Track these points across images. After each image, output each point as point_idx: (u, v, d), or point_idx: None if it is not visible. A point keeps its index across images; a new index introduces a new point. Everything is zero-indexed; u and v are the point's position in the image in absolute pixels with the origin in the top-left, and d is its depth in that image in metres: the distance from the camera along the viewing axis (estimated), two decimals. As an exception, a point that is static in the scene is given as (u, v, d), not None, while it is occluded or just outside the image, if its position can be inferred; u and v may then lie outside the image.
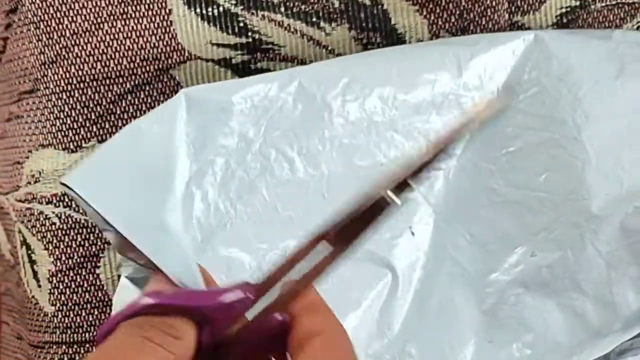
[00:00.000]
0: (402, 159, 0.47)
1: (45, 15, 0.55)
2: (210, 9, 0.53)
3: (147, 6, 0.54)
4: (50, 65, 0.55)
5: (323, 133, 0.48)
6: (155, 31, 0.54)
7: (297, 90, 0.48)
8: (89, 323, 0.58)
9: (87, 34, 0.55)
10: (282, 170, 0.47)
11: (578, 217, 0.49)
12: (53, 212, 0.56)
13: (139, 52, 0.55)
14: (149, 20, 0.54)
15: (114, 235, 0.42)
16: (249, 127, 0.47)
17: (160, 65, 0.55)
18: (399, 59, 0.49)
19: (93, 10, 0.55)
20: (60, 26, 0.54)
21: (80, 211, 0.56)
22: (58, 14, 0.54)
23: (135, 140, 0.45)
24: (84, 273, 0.57)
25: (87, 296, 0.58)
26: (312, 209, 0.48)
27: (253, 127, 0.47)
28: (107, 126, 0.56)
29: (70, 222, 0.56)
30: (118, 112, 0.56)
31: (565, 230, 0.50)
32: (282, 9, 0.54)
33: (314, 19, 0.53)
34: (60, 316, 0.56)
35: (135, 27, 0.54)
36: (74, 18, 0.54)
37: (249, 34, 0.54)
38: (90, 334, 0.58)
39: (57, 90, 0.56)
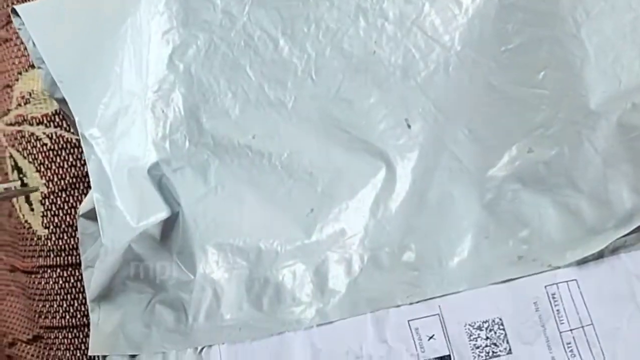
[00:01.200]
0: (397, 48, 0.48)
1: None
2: None
3: None
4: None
5: (308, 15, 0.49)
6: None
7: None
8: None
9: None
10: (266, 49, 0.48)
11: (576, 114, 0.50)
12: (44, 133, 0.57)
13: None
14: None
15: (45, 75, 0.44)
16: (233, 4, 0.48)
17: None
18: None
19: None
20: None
21: (72, 131, 0.57)
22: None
23: None
24: (76, 194, 0.58)
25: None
26: (301, 92, 0.48)
27: (237, 4, 0.48)
28: None
29: (62, 142, 0.57)
30: None
31: (562, 127, 0.50)
32: None
33: None
34: (53, 239, 0.56)
35: None
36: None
37: None
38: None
39: None
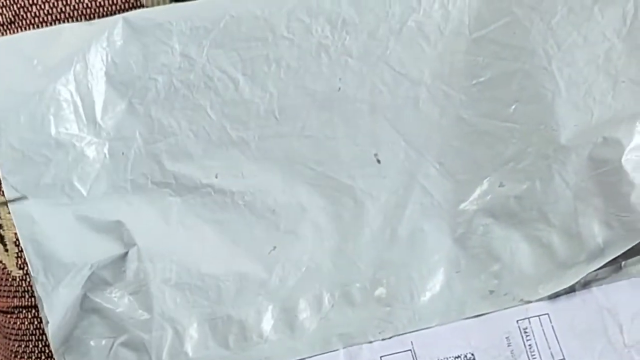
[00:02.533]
0: (362, 85, 0.48)
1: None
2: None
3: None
4: (9, 26, 0.54)
5: (267, 54, 0.49)
6: None
7: (240, 11, 0.49)
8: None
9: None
10: (226, 90, 0.49)
11: (547, 147, 0.50)
12: None
13: (97, 10, 0.55)
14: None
15: None
16: (191, 47, 0.48)
17: None
18: None
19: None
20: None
21: None
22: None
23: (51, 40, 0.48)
24: None
25: None
26: (265, 131, 0.49)
27: (196, 47, 0.49)
28: None
29: None
30: None
31: (533, 161, 0.51)
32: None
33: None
34: (28, 280, 0.55)
35: None
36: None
37: None
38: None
39: None
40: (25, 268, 0.55)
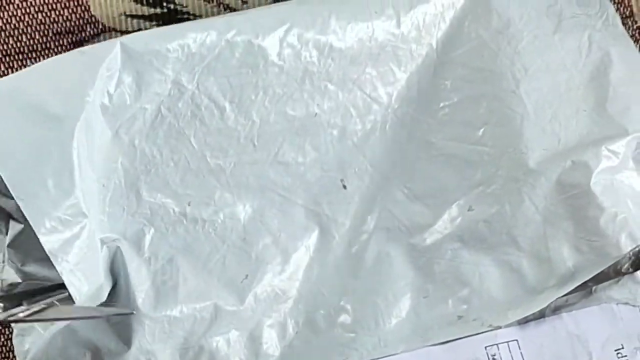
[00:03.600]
0: (336, 109, 0.48)
1: (-45, -8, 0.55)
2: (123, -19, 0.53)
3: (59, -21, 0.54)
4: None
5: (257, 82, 0.49)
6: (67, 4, 0.56)
7: (235, 38, 0.49)
8: None
9: None
10: (212, 119, 0.49)
11: (516, 171, 0.50)
12: None
13: (51, 26, 0.56)
14: (61, -7, 0.55)
15: None
16: (183, 74, 0.48)
17: (74, 39, 0.56)
18: (337, 7, 0.50)
19: (4, -16, 0.55)
20: (-30, 2, 0.55)
21: None
22: (-33, -10, 0.55)
23: (47, 78, 0.47)
24: None
25: None
26: (242, 158, 0.49)
27: (187, 74, 0.48)
28: None
29: None
30: None
31: (503, 185, 0.50)
32: (197, -22, 0.54)
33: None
34: None
35: (47, 1, 0.56)
36: (-16, -6, 0.55)
37: (164, 4, 0.56)
38: None
39: None
40: None
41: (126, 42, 0.49)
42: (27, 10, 0.56)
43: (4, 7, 0.56)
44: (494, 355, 0.49)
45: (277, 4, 0.52)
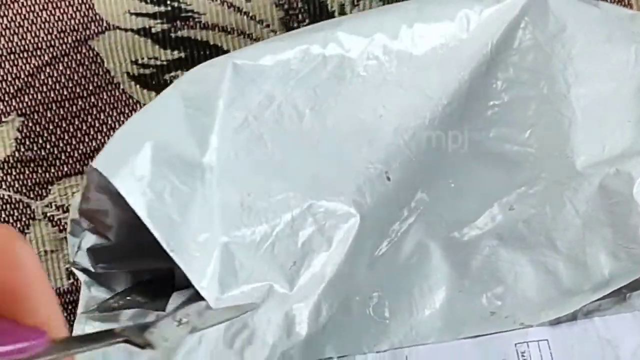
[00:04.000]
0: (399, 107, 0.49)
1: (-42, -10, 0.56)
2: (127, -22, 0.53)
3: (63, -23, 0.55)
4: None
5: (340, 91, 0.49)
6: (72, 2, 0.56)
7: (330, 52, 0.49)
8: None
9: (3, 7, 0.57)
10: (292, 125, 0.49)
11: (560, 174, 0.51)
12: None
13: (56, 24, 0.57)
14: (65, -9, 0.55)
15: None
16: (277, 87, 0.48)
17: (78, 37, 0.57)
18: (417, 17, 0.50)
19: (8, -18, 0.56)
20: (-25, 0, 0.56)
21: (4, 187, 0.58)
22: (-29, -12, 0.56)
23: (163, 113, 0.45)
24: None
25: None
26: (305, 153, 0.50)
27: (281, 87, 0.48)
28: (26, 99, 0.58)
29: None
30: (37, 84, 0.58)
31: (545, 187, 0.51)
32: (201, -24, 0.54)
33: (234, -15, 0.54)
34: None
35: None
36: (-11, -9, 0.56)
37: (168, 2, 0.56)
38: None
39: None
40: None
41: (237, 62, 0.47)
42: (32, 8, 0.57)
43: (9, 5, 0.56)
44: (524, 352, 0.50)
45: (366, 12, 0.53)
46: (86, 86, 0.58)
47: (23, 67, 0.58)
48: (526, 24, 0.51)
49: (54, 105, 0.58)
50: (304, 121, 0.49)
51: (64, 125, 0.59)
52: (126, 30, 0.57)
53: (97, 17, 0.57)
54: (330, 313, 0.50)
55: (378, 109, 0.50)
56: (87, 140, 0.59)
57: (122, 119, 0.58)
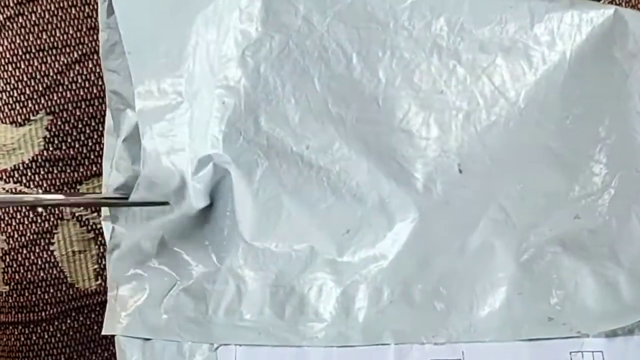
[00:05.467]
0: (463, 92, 0.50)
1: (-12, -14, 0.57)
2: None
3: (93, -27, 0.56)
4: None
5: (385, 40, 0.50)
6: None
7: None
8: (44, 301, 0.59)
9: (31, 3, 0.57)
10: (338, 65, 0.50)
11: (629, 188, 0.52)
12: (3, 189, 0.58)
13: (85, 21, 0.57)
14: (95, -13, 0.56)
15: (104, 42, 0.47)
16: (315, 13, 0.50)
17: None
18: None
19: (38, -21, 0.56)
20: (5, -4, 0.57)
21: (32, 187, 0.58)
22: (2, -17, 0.57)
23: None
24: (37, 250, 0.59)
25: (41, 274, 0.59)
26: (364, 114, 0.51)
27: (319, 15, 0.50)
28: (55, 97, 0.58)
29: None
30: (66, 82, 0.58)
31: (613, 199, 0.52)
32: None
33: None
34: (15, 295, 0.57)
35: None
36: (19, -13, 0.57)
37: None
38: (46, 312, 0.59)
39: (3, 62, 0.57)
40: (12, 284, 0.56)
41: None
42: (61, 4, 0.57)
43: (37, 2, 0.57)
44: (578, 361, 0.50)
45: None
46: (115, 84, 0.58)
47: (52, 64, 0.58)
48: (606, 40, 0.53)
49: (83, 103, 0.59)
50: (352, 66, 0.50)
51: (93, 124, 0.59)
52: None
53: (127, 14, 0.57)
54: (391, 298, 0.50)
55: (437, 82, 0.52)
56: (115, 139, 0.58)
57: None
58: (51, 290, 0.60)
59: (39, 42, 0.57)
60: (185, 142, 0.50)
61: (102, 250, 0.60)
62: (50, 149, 0.59)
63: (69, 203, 0.50)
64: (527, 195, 0.52)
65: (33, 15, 0.56)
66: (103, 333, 0.49)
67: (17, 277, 0.59)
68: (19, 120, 0.57)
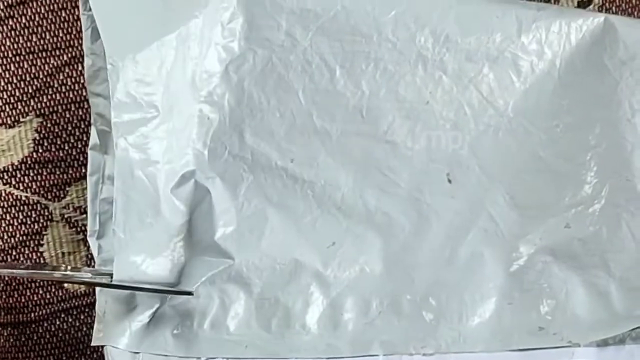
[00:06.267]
0: (450, 103, 0.50)
1: (-22, -12, 0.56)
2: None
3: (83, -24, 0.56)
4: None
5: (369, 53, 0.50)
6: None
7: (352, 4, 0.50)
8: (33, 303, 0.59)
9: (21, 6, 0.56)
10: (322, 78, 0.50)
11: (618, 197, 0.51)
12: None
13: (75, 24, 0.57)
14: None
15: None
16: (298, 28, 0.50)
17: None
18: (458, 4, 0.52)
19: (28, -19, 0.56)
20: (-6, -1, 0.56)
21: (21, 188, 0.58)
22: (-9, -14, 0.56)
23: None
24: (27, 251, 0.59)
25: None
26: (349, 127, 0.51)
27: (302, 29, 0.50)
28: (45, 100, 0.58)
29: (11, 199, 0.58)
30: (56, 85, 0.58)
31: (603, 207, 0.52)
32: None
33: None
34: (4, 297, 0.57)
35: None
36: (8, -10, 0.56)
37: None
38: (35, 313, 0.59)
39: None
40: (1, 285, 0.56)
41: None
42: (51, 7, 0.57)
43: (28, 5, 0.56)
44: (569, 371, 0.49)
45: None
46: (105, 87, 0.58)
47: (42, 67, 0.57)
48: (596, 49, 0.52)
49: (72, 106, 0.58)
50: (336, 79, 0.50)
51: (82, 126, 0.59)
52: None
53: (116, 17, 0.57)
54: (380, 310, 0.50)
55: (423, 92, 0.51)
56: (105, 141, 0.58)
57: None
58: (40, 292, 0.60)
59: (29, 44, 0.57)
60: (161, 155, 0.50)
61: (91, 252, 0.59)
62: (40, 150, 0.59)
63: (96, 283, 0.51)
64: (516, 205, 0.52)
65: (23, 17, 0.56)
66: (93, 344, 0.49)
67: (6, 278, 0.59)
68: (9, 122, 0.57)
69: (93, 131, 0.52)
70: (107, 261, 0.51)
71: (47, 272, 0.48)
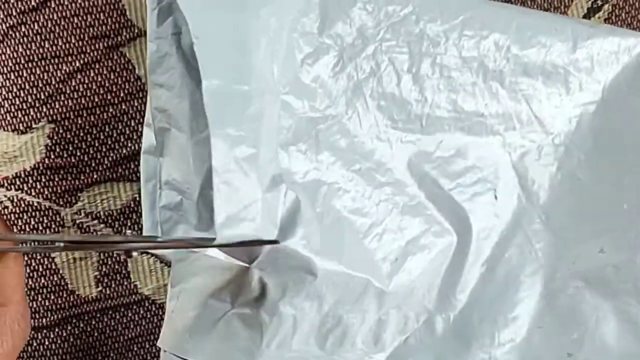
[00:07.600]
0: (502, 117, 0.48)
1: (-9, -6, 0.55)
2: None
3: (94, -17, 0.55)
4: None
5: (435, 58, 0.48)
6: (103, 8, 0.56)
7: (422, 8, 0.48)
8: (45, 308, 0.58)
9: (34, 12, 0.56)
10: (389, 82, 0.48)
11: (655, 223, 0.51)
12: (5, 196, 0.57)
13: (87, 30, 0.56)
14: (97, -4, 0.55)
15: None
16: (369, 26, 0.47)
17: (110, 43, 0.56)
18: (520, 15, 0.50)
19: (40, -13, 0.55)
20: (7, 4, 0.56)
21: (33, 194, 0.57)
22: (5, -8, 0.55)
23: None
24: (38, 257, 0.58)
25: (42, 280, 0.58)
26: (407, 135, 0.49)
27: (372, 27, 0.47)
28: (57, 106, 0.57)
29: (23, 205, 0.57)
30: (68, 91, 0.57)
31: (638, 234, 0.50)
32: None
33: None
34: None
35: (83, 4, 0.56)
36: (21, -4, 0.55)
37: None
38: (47, 319, 0.58)
39: (5, 71, 0.56)
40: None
41: None
42: (64, 14, 0.56)
43: (40, 11, 0.56)
44: (597, 401, 0.49)
45: None
46: (117, 93, 0.57)
47: (54, 73, 0.57)
48: (640, 70, 0.51)
49: (84, 112, 0.57)
50: (402, 84, 0.48)
51: (94, 132, 0.58)
52: (158, 36, 0.55)
53: (129, 23, 0.56)
54: (414, 326, 0.49)
55: (479, 105, 0.50)
56: (117, 147, 0.58)
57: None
58: (52, 297, 0.59)
59: (41, 50, 0.57)
60: (257, 144, 0.44)
61: (102, 257, 0.58)
62: (52, 156, 0.58)
63: (162, 246, 0.47)
64: (552, 226, 0.51)
65: (36, 24, 0.56)
66: (158, 344, 0.47)
67: (29, 282, 0.58)
68: (21, 128, 0.57)
69: (146, 131, 0.48)
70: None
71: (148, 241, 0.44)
